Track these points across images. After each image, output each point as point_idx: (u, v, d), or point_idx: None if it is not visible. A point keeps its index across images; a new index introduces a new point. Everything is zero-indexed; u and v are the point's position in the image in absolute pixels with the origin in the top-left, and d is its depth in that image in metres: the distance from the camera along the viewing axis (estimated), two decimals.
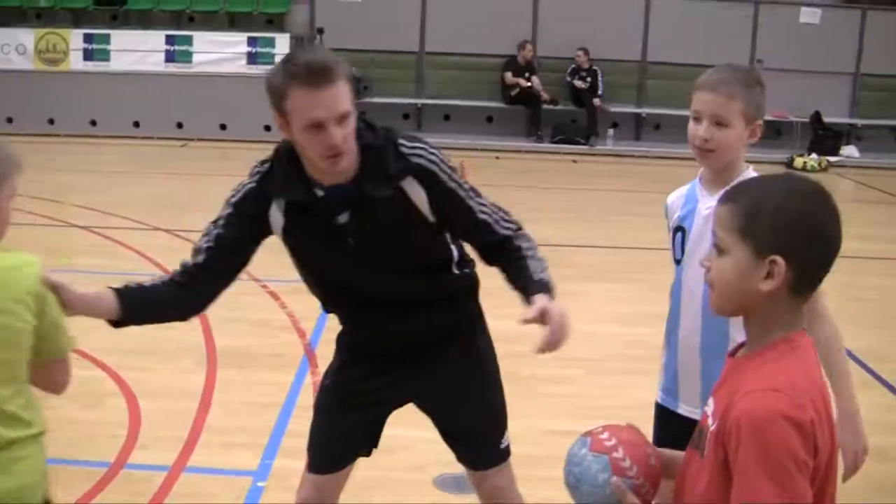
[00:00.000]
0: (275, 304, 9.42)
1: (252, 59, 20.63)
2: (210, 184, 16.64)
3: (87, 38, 20.67)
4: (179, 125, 20.54)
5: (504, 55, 21.75)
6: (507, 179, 16.84)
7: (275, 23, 22.12)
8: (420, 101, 22.35)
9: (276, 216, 3.96)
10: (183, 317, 4.10)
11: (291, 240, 4.06)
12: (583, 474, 2.77)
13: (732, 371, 2.69)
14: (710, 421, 2.65)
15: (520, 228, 4.02)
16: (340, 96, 3.69)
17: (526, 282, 3.83)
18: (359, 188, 3.86)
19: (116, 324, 3.87)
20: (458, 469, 6.06)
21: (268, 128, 20.38)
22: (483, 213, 3.96)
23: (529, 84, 21.53)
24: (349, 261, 3.99)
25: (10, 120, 20.50)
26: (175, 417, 6.64)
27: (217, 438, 6.54)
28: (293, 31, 21.41)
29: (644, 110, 22.68)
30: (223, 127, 20.37)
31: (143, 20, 21.92)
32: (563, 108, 22.04)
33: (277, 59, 20.17)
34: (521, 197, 13.77)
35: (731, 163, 4.05)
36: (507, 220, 4.01)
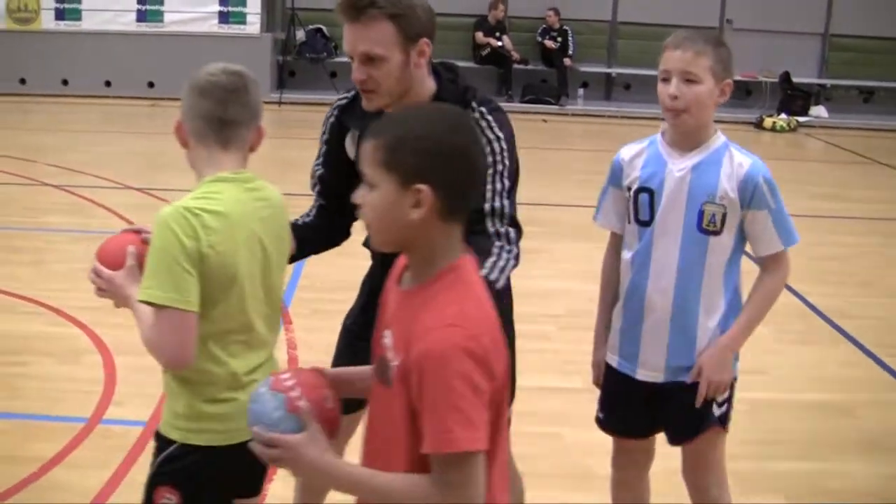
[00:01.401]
0: None
1: (224, 18, 20.49)
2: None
3: None
4: (150, 84, 20.41)
5: (475, 15, 21.69)
6: None
7: None
8: None
9: (350, 146, 4.01)
10: (330, 247, 4.24)
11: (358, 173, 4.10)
12: (259, 411, 2.75)
13: (403, 302, 2.72)
14: (390, 354, 2.67)
15: (507, 231, 3.76)
16: (367, 37, 3.66)
17: None
18: None
19: None
20: None
21: None
22: (494, 198, 3.76)
23: (500, 44, 21.50)
24: None
25: None
26: (151, 374, 6.64)
27: None
28: None
29: (614, 70, 22.64)
30: None
31: None
32: (534, 67, 22.02)
33: (249, 18, 19.98)
34: None
35: (701, 124, 4.05)
36: (506, 221, 3.77)
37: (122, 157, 14.62)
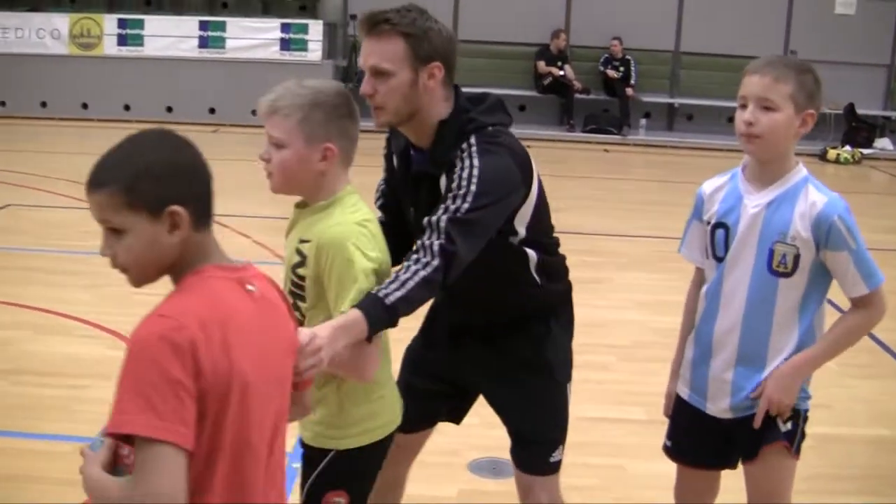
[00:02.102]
0: None
1: (285, 45, 20.65)
2: (242, 169, 16.62)
3: (121, 24, 20.73)
4: (212, 111, 20.58)
5: (537, 44, 21.73)
6: (539, 168, 16.68)
7: (308, 9, 22.07)
8: None
9: (395, 164, 4.12)
10: (394, 265, 4.14)
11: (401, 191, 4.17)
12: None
13: None
14: None
15: (432, 243, 3.64)
16: (378, 51, 3.77)
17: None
18: (424, 160, 3.91)
19: None
20: (493, 453, 6.08)
21: None
22: (438, 213, 3.69)
23: (562, 73, 21.48)
24: (414, 228, 3.99)
25: (44, 104, 20.62)
26: None
27: None
28: (326, 18, 21.42)
29: (677, 100, 22.57)
30: (255, 113, 20.35)
31: (177, 6, 21.94)
32: (596, 97, 21.97)
33: (310, 45, 20.16)
34: (553, 185, 13.63)
35: (779, 155, 3.90)
36: (441, 236, 3.65)
37: None
